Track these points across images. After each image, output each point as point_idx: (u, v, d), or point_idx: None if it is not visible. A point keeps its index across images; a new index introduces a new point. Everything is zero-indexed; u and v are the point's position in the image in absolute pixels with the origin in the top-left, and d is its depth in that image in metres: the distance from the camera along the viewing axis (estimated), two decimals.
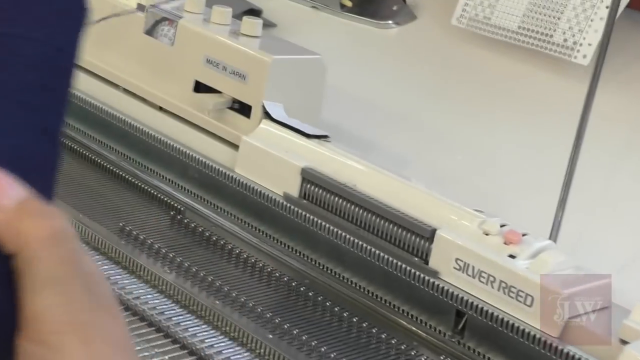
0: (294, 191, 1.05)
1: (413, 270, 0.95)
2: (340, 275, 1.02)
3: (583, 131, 0.98)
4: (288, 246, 1.06)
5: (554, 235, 1.01)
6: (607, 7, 1.20)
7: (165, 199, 1.15)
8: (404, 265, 0.96)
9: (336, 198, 1.02)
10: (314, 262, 1.04)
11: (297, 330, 0.93)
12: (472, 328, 0.92)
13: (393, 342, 0.95)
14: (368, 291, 1.00)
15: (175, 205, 1.14)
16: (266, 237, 1.08)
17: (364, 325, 0.97)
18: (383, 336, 0.95)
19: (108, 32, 1.29)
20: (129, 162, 1.22)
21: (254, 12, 1.42)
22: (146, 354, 0.89)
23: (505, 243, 0.92)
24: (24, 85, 0.38)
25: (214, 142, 1.16)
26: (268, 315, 0.95)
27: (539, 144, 1.21)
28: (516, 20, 1.31)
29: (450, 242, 0.93)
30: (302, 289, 1.01)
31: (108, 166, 1.21)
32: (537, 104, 1.29)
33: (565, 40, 1.27)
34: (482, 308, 0.90)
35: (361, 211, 1.00)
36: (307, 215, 1.03)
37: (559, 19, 1.28)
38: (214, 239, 1.08)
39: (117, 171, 1.20)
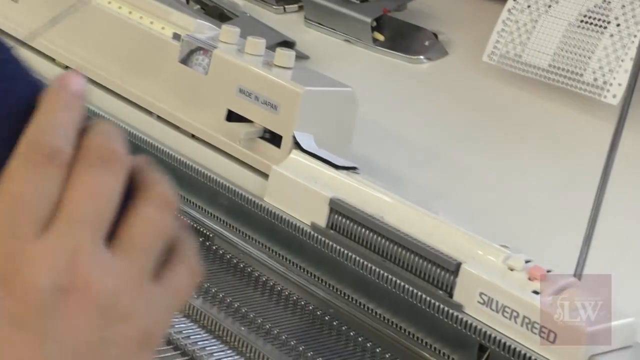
0: (322, 221, 1.06)
1: (437, 303, 0.96)
2: (365, 305, 1.03)
3: (609, 170, 0.99)
4: (314, 275, 1.07)
5: (578, 272, 1.01)
6: (638, 47, 1.21)
7: (195, 225, 1.16)
8: (428, 298, 0.97)
9: (363, 229, 1.03)
10: (339, 292, 1.05)
11: (320, 359, 0.94)
12: None
13: None
14: (392, 322, 1.00)
15: (205, 231, 1.15)
16: (293, 265, 1.09)
17: (387, 356, 0.97)
18: None
19: (143, 60, 1.31)
20: None
21: (288, 44, 1.44)
22: None
23: (529, 279, 0.92)
24: None
25: (244, 170, 1.17)
26: (292, 343, 0.96)
27: (567, 181, 1.22)
28: (547, 58, 1.32)
29: (475, 277, 0.94)
30: (326, 318, 1.02)
31: None
32: (566, 141, 1.30)
33: (595, 79, 1.27)
34: (504, 343, 0.91)
35: (387, 243, 1.01)
36: (334, 245, 1.04)
37: (589, 58, 1.29)
38: (242, 266, 1.10)
39: None
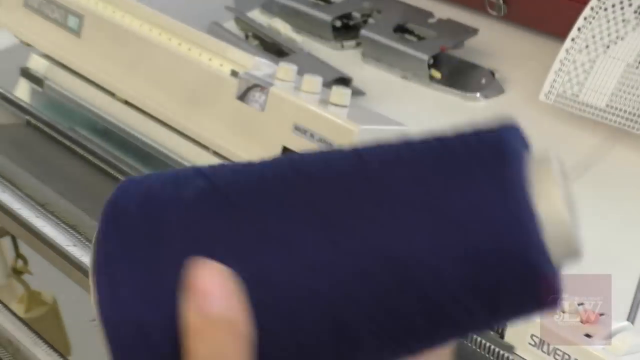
0: None
1: (488, 344, 0.96)
2: None
3: None
4: None
5: (632, 316, 1.00)
6: None
7: None
8: (479, 339, 0.97)
9: None
10: None
11: None
12: None
13: None
14: None
15: None
16: None
17: None
18: None
19: (201, 96, 1.34)
20: None
21: (344, 81, 1.45)
22: None
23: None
24: None
25: None
26: None
27: (622, 223, 1.21)
28: (604, 98, 1.31)
29: None
30: None
31: None
32: (623, 183, 1.29)
33: None
34: None
35: None
36: None
37: None
38: None
39: None
